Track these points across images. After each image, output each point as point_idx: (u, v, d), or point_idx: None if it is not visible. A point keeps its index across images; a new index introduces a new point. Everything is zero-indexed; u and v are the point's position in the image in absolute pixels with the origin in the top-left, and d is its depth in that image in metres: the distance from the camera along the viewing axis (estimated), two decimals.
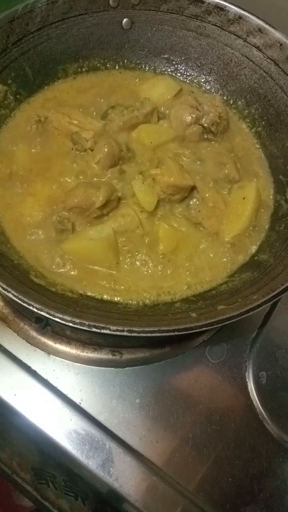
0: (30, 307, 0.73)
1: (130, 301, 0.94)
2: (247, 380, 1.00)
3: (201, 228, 1.04)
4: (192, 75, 1.30)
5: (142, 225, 1.01)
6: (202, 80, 1.29)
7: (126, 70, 1.31)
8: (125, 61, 1.30)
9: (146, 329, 0.73)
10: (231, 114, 1.24)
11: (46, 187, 1.04)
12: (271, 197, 1.12)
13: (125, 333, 0.72)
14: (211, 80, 1.28)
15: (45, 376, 0.97)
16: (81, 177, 1.06)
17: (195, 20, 1.20)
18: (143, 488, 0.87)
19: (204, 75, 1.29)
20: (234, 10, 1.14)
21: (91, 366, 0.99)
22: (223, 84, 1.26)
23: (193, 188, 1.05)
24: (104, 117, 1.16)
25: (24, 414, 0.92)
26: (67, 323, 0.71)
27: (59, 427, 0.91)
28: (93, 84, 1.26)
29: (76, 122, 1.11)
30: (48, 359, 0.99)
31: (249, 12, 1.13)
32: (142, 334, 0.72)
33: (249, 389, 0.99)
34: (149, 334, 0.73)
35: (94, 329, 0.71)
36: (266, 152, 1.19)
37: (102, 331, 0.71)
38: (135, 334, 0.72)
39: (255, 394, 0.98)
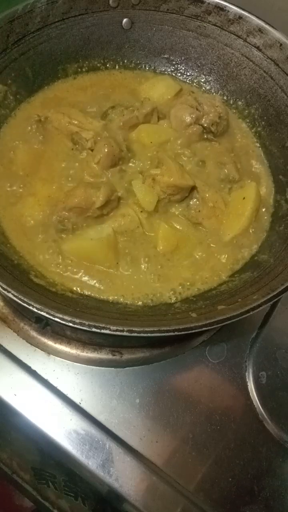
0: (30, 307, 0.72)
1: (130, 301, 0.94)
2: (247, 380, 1.00)
3: (201, 228, 1.04)
4: (192, 75, 1.30)
5: (142, 225, 1.01)
6: (202, 80, 1.29)
7: (126, 70, 1.31)
8: (125, 61, 1.30)
9: (146, 329, 0.73)
10: (231, 114, 1.24)
11: (46, 187, 1.04)
12: (271, 197, 1.12)
13: (125, 333, 0.72)
14: (211, 80, 1.28)
15: (45, 376, 0.97)
16: (81, 177, 1.06)
17: (195, 20, 1.20)
18: (143, 488, 0.87)
19: (204, 75, 1.29)
20: (234, 10, 1.14)
21: (91, 366, 0.99)
22: (223, 84, 1.26)
23: (193, 188, 1.05)
24: (104, 117, 1.16)
25: (24, 414, 0.92)
26: (67, 323, 0.71)
27: (59, 427, 0.91)
28: (93, 84, 1.26)
29: (76, 122, 1.11)
30: (48, 359, 0.99)
31: (249, 12, 1.13)
32: (142, 334, 0.72)
33: (249, 389, 0.99)
34: (149, 334, 0.73)
35: (94, 329, 0.71)
36: (266, 152, 1.19)
37: (102, 331, 0.71)
38: (135, 334, 0.72)
39: (255, 394, 0.98)
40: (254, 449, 0.93)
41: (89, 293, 0.94)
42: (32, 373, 0.97)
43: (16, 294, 0.73)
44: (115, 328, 0.72)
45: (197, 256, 1.01)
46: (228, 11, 1.15)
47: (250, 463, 0.92)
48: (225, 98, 1.26)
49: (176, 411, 0.95)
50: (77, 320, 0.72)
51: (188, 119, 1.14)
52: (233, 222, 1.04)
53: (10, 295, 0.73)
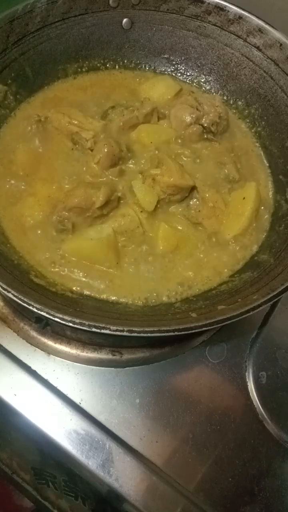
0: (30, 307, 0.73)
1: (130, 301, 0.94)
2: (247, 380, 1.00)
3: (201, 228, 1.04)
4: (192, 75, 1.30)
5: (142, 225, 1.01)
6: (202, 80, 1.29)
7: (126, 70, 1.31)
8: (125, 61, 1.30)
9: (146, 329, 0.73)
10: (231, 114, 1.24)
11: (46, 187, 1.04)
12: (271, 197, 1.12)
13: (125, 333, 0.72)
14: (211, 80, 1.28)
15: (45, 376, 0.97)
16: (81, 177, 1.06)
17: (195, 20, 1.20)
18: (143, 488, 0.87)
19: (204, 75, 1.29)
20: (234, 10, 1.14)
21: (91, 366, 0.99)
22: (223, 84, 1.26)
23: (193, 188, 1.05)
24: (104, 117, 1.16)
25: (24, 414, 0.92)
26: (67, 323, 0.71)
27: (59, 427, 0.91)
28: (93, 84, 1.26)
29: (76, 122, 1.11)
30: (48, 359, 0.99)
31: (249, 12, 1.13)
32: (142, 334, 0.72)
33: (249, 389, 0.99)
34: (149, 334, 0.73)
35: (94, 329, 0.71)
36: (266, 152, 1.19)
37: (102, 331, 0.71)
38: (135, 334, 0.72)
39: (255, 394, 0.98)
40: (254, 449, 0.93)
41: (89, 293, 0.94)
42: (32, 373, 0.97)
43: (16, 294, 0.73)
44: (115, 328, 0.72)
45: (197, 256, 1.01)
46: (228, 11, 1.15)
47: (250, 463, 0.92)
48: (225, 98, 1.26)
49: (176, 411, 0.95)
50: (77, 320, 0.72)
51: (188, 119, 1.14)
52: (233, 222, 1.04)
53: (10, 295, 0.73)
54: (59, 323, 0.72)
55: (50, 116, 1.13)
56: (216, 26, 1.18)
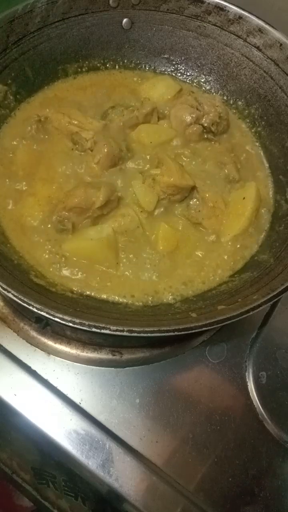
0: (30, 307, 0.73)
1: (130, 301, 0.94)
2: (247, 380, 1.00)
3: (201, 228, 1.04)
4: (192, 75, 1.30)
5: (142, 225, 1.01)
6: (202, 80, 1.30)
7: (126, 70, 1.31)
8: (125, 61, 1.30)
9: (146, 329, 0.73)
10: (231, 114, 1.24)
11: (46, 187, 1.04)
12: (271, 197, 1.12)
13: (125, 333, 0.72)
14: (211, 80, 1.28)
15: (45, 376, 0.97)
16: (81, 177, 1.06)
17: (195, 20, 1.20)
18: (143, 488, 0.87)
19: (204, 75, 1.29)
20: (234, 10, 1.14)
21: (91, 366, 0.99)
22: (223, 84, 1.27)
23: (193, 188, 1.05)
24: (104, 117, 1.16)
25: (24, 414, 0.92)
26: (67, 323, 0.71)
27: (59, 427, 0.91)
28: (93, 84, 1.26)
29: (76, 122, 1.11)
30: (48, 359, 0.99)
31: (249, 12, 1.13)
32: (142, 334, 0.72)
33: (249, 389, 0.99)
34: (149, 334, 0.73)
35: (94, 329, 0.71)
36: (266, 152, 1.19)
37: (102, 331, 0.71)
38: (135, 334, 0.72)
39: (255, 394, 0.98)
40: (254, 449, 0.93)
41: (89, 293, 0.94)
42: (32, 373, 0.97)
43: (16, 294, 0.73)
44: (115, 328, 0.72)
45: (197, 256, 1.01)
46: (228, 11, 1.15)
47: (250, 463, 0.92)
48: (225, 98, 1.27)
49: (176, 411, 0.95)
50: (77, 320, 0.72)
51: (188, 119, 1.14)
52: (233, 222, 1.04)
53: (10, 295, 0.73)
54: (59, 323, 0.72)
55: (50, 116, 1.13)
56: (216, 26, 1.18)
